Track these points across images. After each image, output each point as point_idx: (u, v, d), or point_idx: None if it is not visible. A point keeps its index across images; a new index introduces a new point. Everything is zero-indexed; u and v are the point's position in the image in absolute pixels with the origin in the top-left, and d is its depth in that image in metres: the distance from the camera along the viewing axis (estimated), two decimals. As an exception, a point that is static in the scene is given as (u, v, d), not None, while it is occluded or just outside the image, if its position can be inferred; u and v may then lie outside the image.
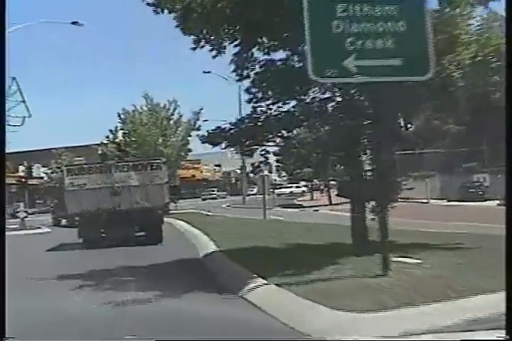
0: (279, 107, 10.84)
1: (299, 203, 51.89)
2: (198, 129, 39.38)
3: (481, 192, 42.55)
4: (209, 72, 54.37)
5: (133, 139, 39.59)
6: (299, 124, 10.75)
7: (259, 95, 10.76)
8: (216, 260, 12.27)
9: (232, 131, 10.98)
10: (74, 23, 32.30)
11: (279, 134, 10.93)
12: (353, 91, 10.18)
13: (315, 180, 65.71)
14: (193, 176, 72.68)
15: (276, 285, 7.96)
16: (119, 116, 40.28)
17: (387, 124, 9.59)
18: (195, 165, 75.39)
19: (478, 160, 46.72)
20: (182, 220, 26.89)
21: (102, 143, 42.98)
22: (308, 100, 10.39)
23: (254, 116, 10.89)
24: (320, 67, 7.87)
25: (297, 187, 69.60)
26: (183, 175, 54.82)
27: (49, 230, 29.12)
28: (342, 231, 18.23)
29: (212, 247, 14.59)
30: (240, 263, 10.40)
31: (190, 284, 8.96)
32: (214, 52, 11.18)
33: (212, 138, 11.27)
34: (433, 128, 40.26)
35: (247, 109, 11.56)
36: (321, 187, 68.89)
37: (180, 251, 15.56)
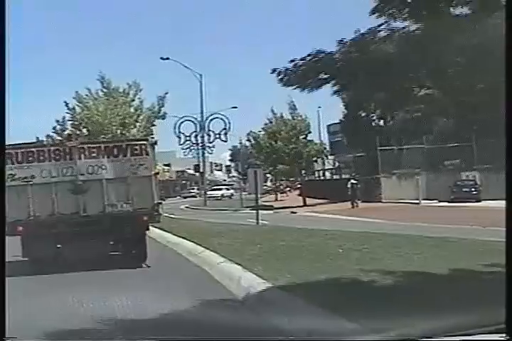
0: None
1: (269, 204, 46.92)
2: (163, 118, 33.99)
3: (475, 192, 39.62)
4: (167, 59, 49.25)
5: (84, 131, 34.07)
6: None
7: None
8: (293, 314, 6.26)
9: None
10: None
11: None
12: None
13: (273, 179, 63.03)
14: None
15: None
16: (67, 104, 34.76)
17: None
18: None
19: (465, 156, 43.92)
20: (154, 227, 21.30)
21: (48, 135, 36.87)
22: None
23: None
24: None
25: (227, 189, 69.41)
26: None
27: (-18, 240, 23.17)
28: (419, 245, 12.55)
29: (247, 276, 8.98)
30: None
31: None
32: None
33: (304, 71, 5.69)
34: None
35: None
36: (281, 187, 65.52)
37: (185, 280, 10.15)
